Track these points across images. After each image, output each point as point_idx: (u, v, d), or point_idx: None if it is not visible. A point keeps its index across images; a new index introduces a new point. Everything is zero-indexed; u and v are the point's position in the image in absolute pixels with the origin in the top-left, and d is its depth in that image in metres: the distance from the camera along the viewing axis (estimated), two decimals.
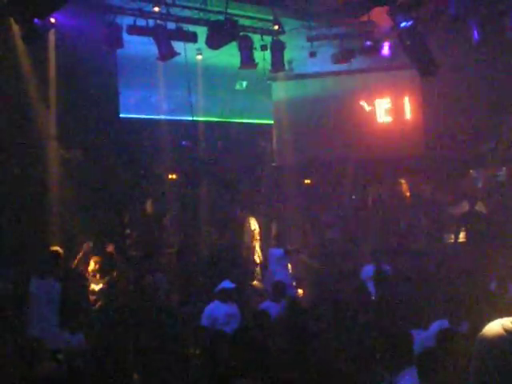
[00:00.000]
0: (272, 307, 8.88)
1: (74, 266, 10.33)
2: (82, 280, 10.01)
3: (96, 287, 10.30)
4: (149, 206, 13.88)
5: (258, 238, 13.63)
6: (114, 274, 10.48)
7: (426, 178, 14.68)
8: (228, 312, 8.90)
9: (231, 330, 8.12)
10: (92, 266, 10.55)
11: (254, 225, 13.68)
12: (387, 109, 15.47)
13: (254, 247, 13.55)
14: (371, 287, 10.16)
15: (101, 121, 11.91)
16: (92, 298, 10.06)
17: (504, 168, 14.07)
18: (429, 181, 14.58)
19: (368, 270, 10.63)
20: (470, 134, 13.88)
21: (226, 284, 9.27)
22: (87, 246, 10.64)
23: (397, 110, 15.38)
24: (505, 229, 11.06)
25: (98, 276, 10.48)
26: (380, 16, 12.32)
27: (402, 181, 14.83)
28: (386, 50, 13.36)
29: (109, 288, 10.21)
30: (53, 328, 8.17)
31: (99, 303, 9.94)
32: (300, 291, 11.92)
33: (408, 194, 14.78)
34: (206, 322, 8.75)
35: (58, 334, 7.89)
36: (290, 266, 12.12)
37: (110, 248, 11.14)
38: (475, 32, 11.21)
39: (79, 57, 11.08)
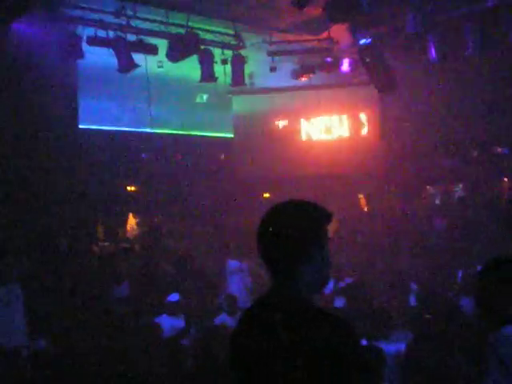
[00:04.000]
0: (228, 320, 8.86)
1: None
2: None
3: None
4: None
5: None
6: None
7: (383, 193, 14.80)
8: (174, 325, 8.82)
9: None
10: None
11: None
12: (345, 125, 15.59)
13: None
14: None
15: (59, 131, 11.74)
16: None
17: (461, 184, 14.29)
18: (387, 196, 14.70)
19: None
20: (428, 149, 14.08)
21: (172, 297, 9.26)
22: None
23: (354, 126, 15.51)
24: (463, 245, 11.24)
25: None
26: (340, 33, 12.48)
27: (361, 196, 14.95)
28: (345, 66, 13.51)
29: None
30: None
31: None
32: None
33: (366, 209, 14.88)
34: None
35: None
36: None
37: None
38: (432, 50, 11.41)
39: (38, 67, 10.90)
